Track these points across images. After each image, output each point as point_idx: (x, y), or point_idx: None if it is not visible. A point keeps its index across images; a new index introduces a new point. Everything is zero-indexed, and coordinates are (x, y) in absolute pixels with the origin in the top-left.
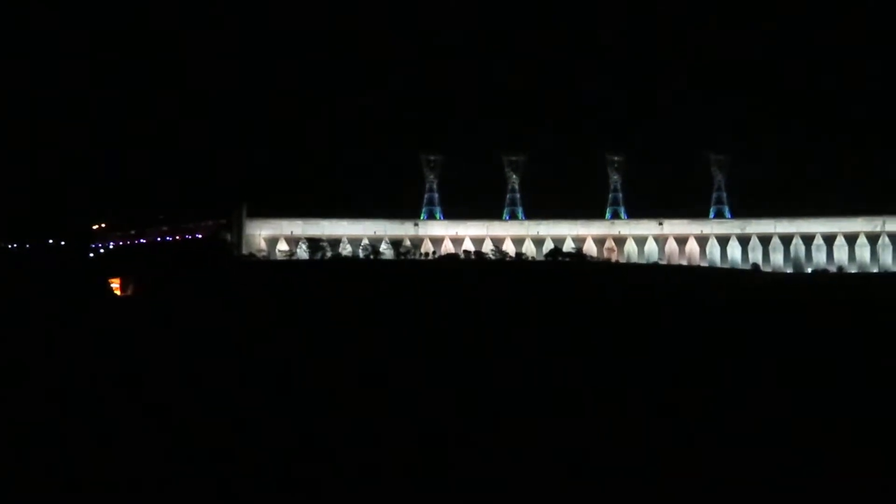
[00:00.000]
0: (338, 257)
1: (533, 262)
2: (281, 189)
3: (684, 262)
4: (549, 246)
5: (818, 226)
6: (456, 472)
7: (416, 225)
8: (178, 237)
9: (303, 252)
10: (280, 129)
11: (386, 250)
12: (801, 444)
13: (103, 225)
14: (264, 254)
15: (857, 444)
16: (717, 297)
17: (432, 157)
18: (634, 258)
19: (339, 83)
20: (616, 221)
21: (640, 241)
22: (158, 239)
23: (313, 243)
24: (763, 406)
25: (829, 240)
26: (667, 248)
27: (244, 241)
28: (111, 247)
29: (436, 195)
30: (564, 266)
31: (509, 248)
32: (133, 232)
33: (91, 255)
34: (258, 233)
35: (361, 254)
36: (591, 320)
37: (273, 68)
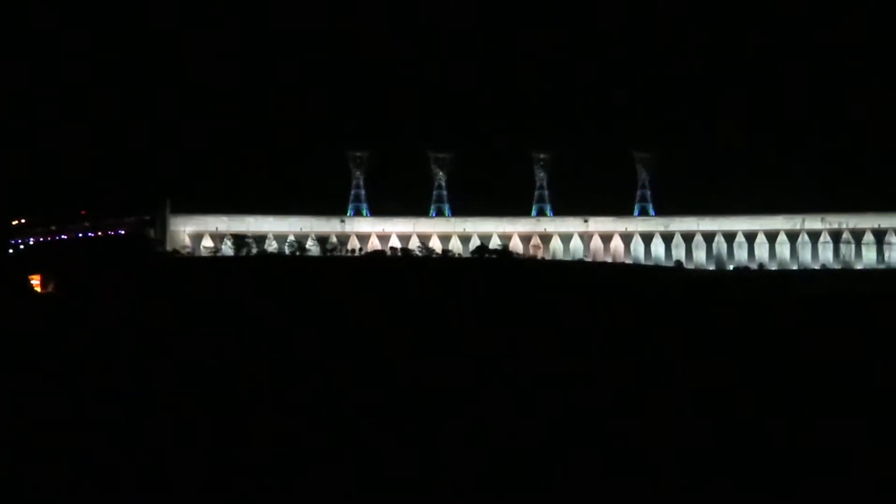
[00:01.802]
0: (263, 254)
1: (461, 259)
2: (206, 185)
3: (609, 260)
4: (475, 243)
5: (740, 224)
6: (373, 473)
7: (342, 221)
8: (100, 233)
9: (228, 249)
10: (205, 125)
11: (312, 247)
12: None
13: (23, 221)
14: (189, 250)
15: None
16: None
17: (359, 154)
18: (560, 255)
19: (268, 79)
20: (542, 219)
21: (566, 239)
22: (80, 235)
23: (238, 240)
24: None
25: (751, 237)
26: (592, 245)
27: (168, 238)
28: (31, 243)
29: (362, 192)
30: (493, 263)
31: (436, 244)
32: (54, 228)
33: (10, 251)
34: (182, 229)
35: (287, 250)
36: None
37: (202, 64)
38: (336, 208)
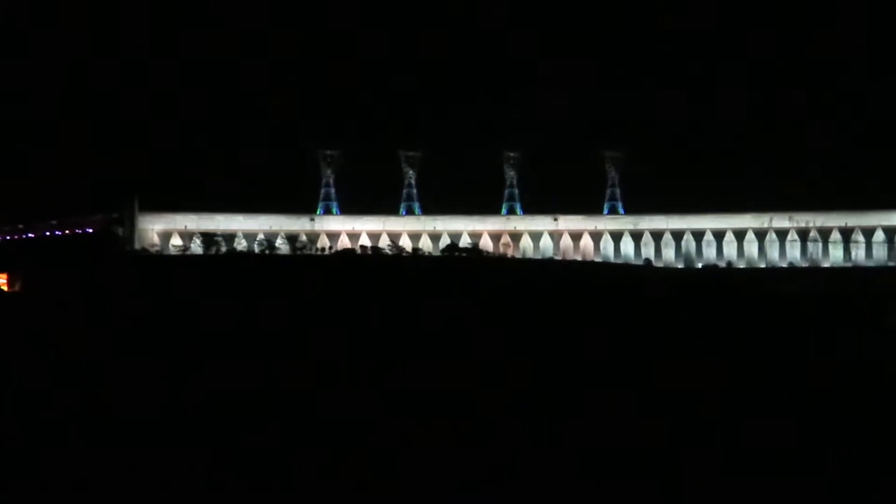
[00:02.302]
0: (233, 252)
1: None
2: (175, 183)
3: (579, 258)
4: (445, 241)
5: (708, 222)
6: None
7: (312, 220)
8: (67, 231)
9: (197, 247)
10: (175, 123)
11: (282, 245)
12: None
13: None
14: (157, 248)
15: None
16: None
17: (329, 153)
18: (530, 253)
19: (239, 78)
20: (512, 217)
21: (536, 237)
22: (47, 233)
23: (207, 238)
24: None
25: (719, 235)
26: (562, 243)
27: (136, 236)
28: None
29: (332, 190)
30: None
31: (406, 243)
32: (21, 226)
33: None
34: (151, 227)
35: (257, 249)
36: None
37: (170, 61)
38: (306, 207)
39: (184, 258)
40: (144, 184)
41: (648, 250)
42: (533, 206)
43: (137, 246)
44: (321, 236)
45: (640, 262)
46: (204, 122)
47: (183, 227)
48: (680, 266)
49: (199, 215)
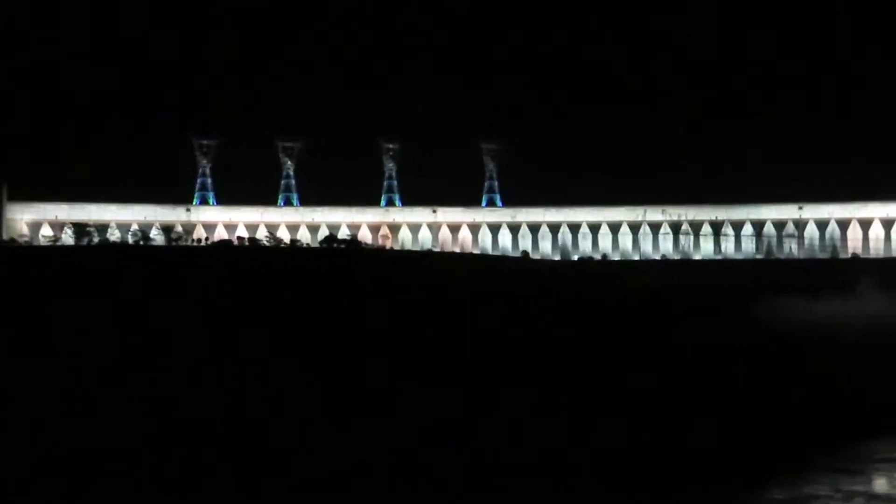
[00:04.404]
0: (105, 243)
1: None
2: (45, 172)
3: (457, 250)
4: (324, 232)
5: (584, 215)
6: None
7: (188, 210)
8: None
9: (68, 237)
10: (47, 110)
11: (156, 236)
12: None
13: None
14: (26, 239)
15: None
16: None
17: (205, 142)
18: (409, 245)
19: (113, 63)
20: (391, 209)
21: (415, 229)
22: None
23: (79, 228)
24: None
25: (595, 228)
26: (440, 235)
27: (4, 226)
28: None
29: (209, 180)
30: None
31: (284, 234)
32: None
33: None
34: (20, 217)
35: (131, 239)
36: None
37: (44, 47)
38: (181, 197)
39: (54, 249)
40: (13, 172)
41: (526, 242)
42: (412, 198)
43: (5, 236)
44: (197, 227)
45: (517, 254)
46: (75, 107)
47: (54, 217)
48: (557, 258)
49: (70, 205)
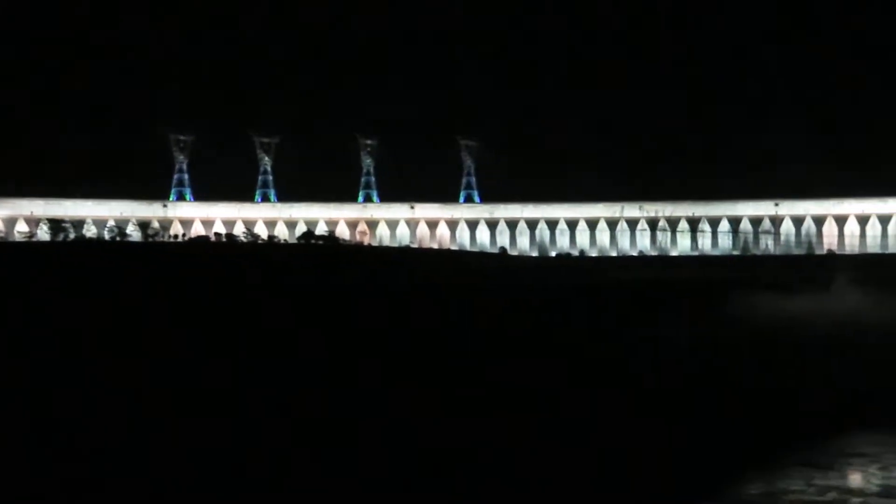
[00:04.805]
0: (82, 239)
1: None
2: (21, 167)
3: (435, 246)
4: (301, 229)
5: (562, 211)
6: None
7: (164, 206)
8: None
9: (44, 233)
10: (21, 106)
11: (133, 232)
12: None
13: None
14: (2, 235)
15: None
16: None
17: (182, 138)
18: (387, 241)
19: (89, 59)
20: (369, 205)
21: (392, 225)
22: None
23: (55, 224)
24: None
25: (572, 224)
26: (418, 231)
27: None
28: None
29: (185, 176)
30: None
31: (261, 230)
32: None
33: None
34: None
35: (107, 235)
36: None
37: (19, 38)
38: (158, 193)
39: (29, 245)
40: None
41: (504, 239)
42: (389, 194)
43: None
44: (174, 223)
45: (495, 251)
46: (51, 103)
47: (29, 213)
48: (534, 254)
49: (46, 201)
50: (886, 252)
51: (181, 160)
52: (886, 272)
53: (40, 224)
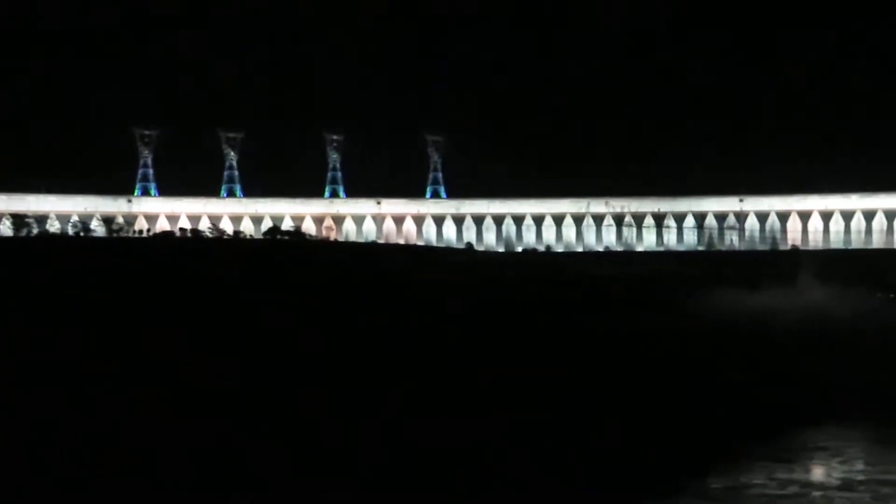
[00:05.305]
0: (45, 234)
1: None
2: None
3: (402, 241)
4: (267, 224)
5: (528, 207)
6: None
7: (129, 201)
8: None
9: (6, 228)
10: None
11: (97, 227)
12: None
13: None
14: None
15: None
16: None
17: (147, 133)
18: (353, 237)
19: (53, 52)
20: (335, 200)
21: (359, 220)
22: None
23: (18, 219)
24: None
25: (539, 220)
26: (385, 227)
27: None
28: None
29: (150, 171)
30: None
31: (227, 225)
32: None
33: None
34: None
35: (71, 231)
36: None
37: None
38: (123, 188)
39: None
40: None
41: (470, 234)
42: (356, 190)
43: None
44: (139, 218)
45: (461, 246)
46: (12, 97)
47: None
48: (501, 250)
49: (8, 195)
50: (849, 248)
51: (146, 155)
52: (849, 268)
53: (2, 219)
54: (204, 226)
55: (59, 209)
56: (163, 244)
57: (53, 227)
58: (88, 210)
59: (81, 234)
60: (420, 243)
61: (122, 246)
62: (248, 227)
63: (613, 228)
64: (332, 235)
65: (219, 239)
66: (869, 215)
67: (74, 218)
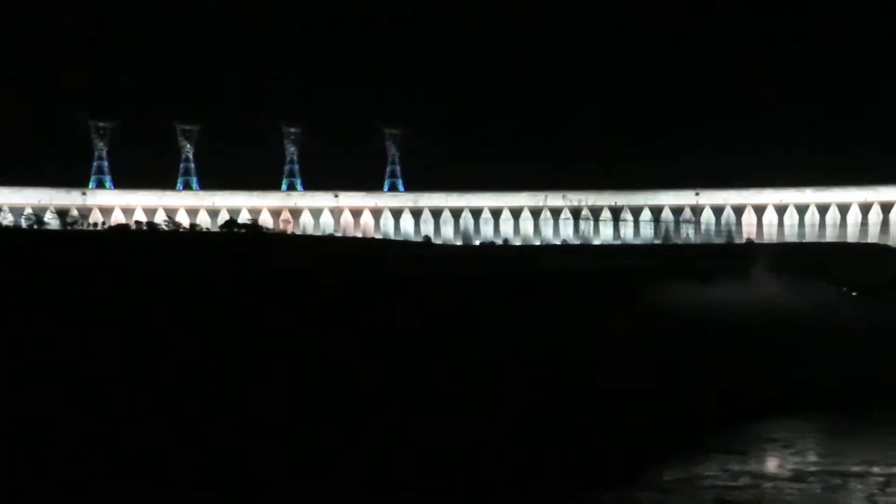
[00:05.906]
0: None
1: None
2: None
3: (359, 234)
4: (224, 217)
5: (486, 200)
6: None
7: (83, 194)
8: None
9: None
10: None
11: (51, 220)
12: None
13: None
14: None
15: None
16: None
17: (102, 125)
18: (310, 230)
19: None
20: (292, 193)
21: (316, 213)
22: None
23: None
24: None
25: (496, 213)
26: (342, 220)
27: None
28: None
29: (105, 163)
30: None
31: (183, 218)
32: None
33: None
34: None
35: (24, 224)
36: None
37: None
38: (77, 180)
39: None
40: None
41: (428, 227)
42: (313, 183)
43: None
44: (94, 211)
45: (419, 239)
46: None
47: None
48: (459, 243)
49: None
50: (804, 241)
51: (100, 147)
52: (803, 260)
53: None
54: (160, 219)
55: (11, 202)
56: (119, 237)
57: (6, 219)
58: (42, 203)
59: (35, 227)
60: (378, 236)
61: (77, 238)
62: (204, 220)
63: (571, 222)
64: (289, 229)
65: (175, 232)
66: (823, 209)
67: (28, 211)
